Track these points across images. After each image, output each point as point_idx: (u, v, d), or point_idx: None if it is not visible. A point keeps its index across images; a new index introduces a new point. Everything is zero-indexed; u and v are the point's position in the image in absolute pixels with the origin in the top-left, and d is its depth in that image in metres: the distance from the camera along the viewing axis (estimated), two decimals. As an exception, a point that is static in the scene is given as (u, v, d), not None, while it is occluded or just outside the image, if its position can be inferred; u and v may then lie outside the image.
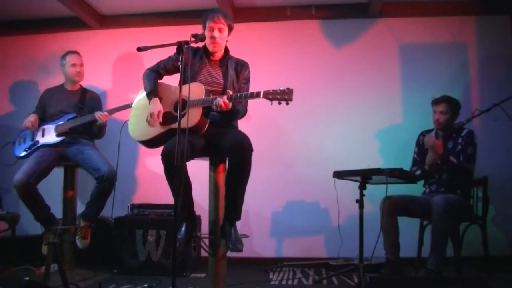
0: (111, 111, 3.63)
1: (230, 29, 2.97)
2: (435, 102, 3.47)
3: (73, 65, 3.79)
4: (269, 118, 4.25)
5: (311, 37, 4.35)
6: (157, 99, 2.91)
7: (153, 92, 2.95)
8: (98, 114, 3.58)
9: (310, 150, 4.21)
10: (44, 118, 3.76)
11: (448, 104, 3.42)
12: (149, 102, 2.94)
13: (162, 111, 2.86)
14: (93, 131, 3.75)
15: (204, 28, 2.94)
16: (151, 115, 2.85)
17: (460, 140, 3.40)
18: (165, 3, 4.27)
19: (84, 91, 3.88)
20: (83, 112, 3.71)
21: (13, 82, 4.59)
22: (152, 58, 3.12)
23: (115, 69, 4.48)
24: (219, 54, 3.00)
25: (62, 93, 3.83)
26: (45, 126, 3.70)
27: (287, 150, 4.25)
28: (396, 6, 4.20)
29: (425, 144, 3.42)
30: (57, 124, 3.67)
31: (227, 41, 2.99)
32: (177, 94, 2.53)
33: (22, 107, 4.44)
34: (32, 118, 3.67)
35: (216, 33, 2.88)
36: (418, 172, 3.49)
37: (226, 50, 3.04)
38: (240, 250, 2.71)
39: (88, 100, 3.82)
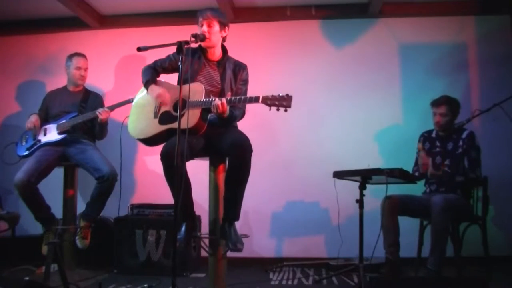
0: (112, 107, 3.62)
1: (223, 25, 2.95)
2: (435, 104, 3.45)
3: (78, 68, 3.79)
4: (269, 118, 4.21)
5: (311, 37, 4.34)
6: (154, 85, 2.95)
7: (150, 81, 2.98)
8: (99, 111, 3.58)
9: (310, 150, 4.21)
10: (47, 119, 3.76)
11: (449, 106, 3.41)
12: (147, 91, 2.96)
13: (165, 91, 2.88)
14: (95, 130, 3.75)
15: (198, 27, 2.95)
16: (158, 96, 2.86)
17: (460, 142, 3.39)
18: (165, 3, 4.26)
19: (86, 91, 3.88)
20: (85, 112, 3.71)
21: (13, 82, 4.58)
22: (153, 58, 3.12)
23: (115, 69, 4.48)
24: (216, 54, 2.99)
25: (65, 94, 3.83)
26: (47, 126, 3.70)
27: (287, 150, 4.25)
28: (396, 6, 4.20)
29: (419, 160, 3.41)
30: (59, 123, 3.67)
31: (222, 38, 2.98)
32: (177, 93, 2.52)
33: (23, 107, 4.46)
34: (33, 119, 3.67)
35: (205, 27, 2.89)
36: (417, 174, 3.50)
37: (225, 50, 3.03)
38: (240, 250, 2.70)
39: (90, 100, 3.82)
